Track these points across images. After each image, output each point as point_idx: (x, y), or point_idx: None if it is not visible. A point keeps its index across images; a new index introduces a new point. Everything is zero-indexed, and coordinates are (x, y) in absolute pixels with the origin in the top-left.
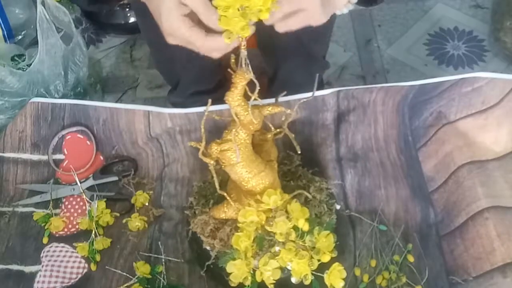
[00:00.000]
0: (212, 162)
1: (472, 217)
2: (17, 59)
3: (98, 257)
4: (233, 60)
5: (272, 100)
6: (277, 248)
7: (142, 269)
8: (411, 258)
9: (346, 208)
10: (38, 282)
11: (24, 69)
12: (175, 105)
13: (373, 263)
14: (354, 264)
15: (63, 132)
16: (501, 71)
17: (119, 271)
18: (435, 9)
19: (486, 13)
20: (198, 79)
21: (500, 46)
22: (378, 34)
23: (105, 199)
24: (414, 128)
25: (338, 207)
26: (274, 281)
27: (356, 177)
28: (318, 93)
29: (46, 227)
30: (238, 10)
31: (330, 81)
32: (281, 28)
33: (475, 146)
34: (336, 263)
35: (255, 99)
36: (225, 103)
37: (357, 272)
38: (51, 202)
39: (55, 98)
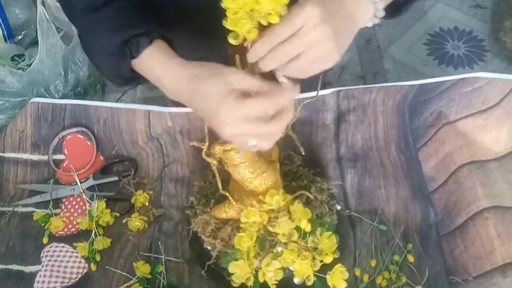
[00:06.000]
0: (215, 162)
1: (472, 217)
2: (17, 59)
3: (98, 257)
4: (238, 61)
5: None
6: (279, 249)
7: (142, 269)
8: (411, 258)
9: (346, 208)
10: (38, 282)
11: (24, 69)
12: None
13: (373, 263)
14: (354, 264)
15: (64, 133)
16: (501, 71)
17: (119, 271)
18: (435, 9)
19: (486, 13)
20: None
21: (500, 46)
22: (378, 34)
23: (105, 199)
24: (414, 128)
25: (339, 207)
26: (277, 282)
27: (356, 177)
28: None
29: (46, 227)
30: (247, 13)
31: (330, 81)
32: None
33: (475, 146)
34: (339, 264)
35: None
36: None
37: (357, 272)
38: (51, 202)
39: (55, 98)
